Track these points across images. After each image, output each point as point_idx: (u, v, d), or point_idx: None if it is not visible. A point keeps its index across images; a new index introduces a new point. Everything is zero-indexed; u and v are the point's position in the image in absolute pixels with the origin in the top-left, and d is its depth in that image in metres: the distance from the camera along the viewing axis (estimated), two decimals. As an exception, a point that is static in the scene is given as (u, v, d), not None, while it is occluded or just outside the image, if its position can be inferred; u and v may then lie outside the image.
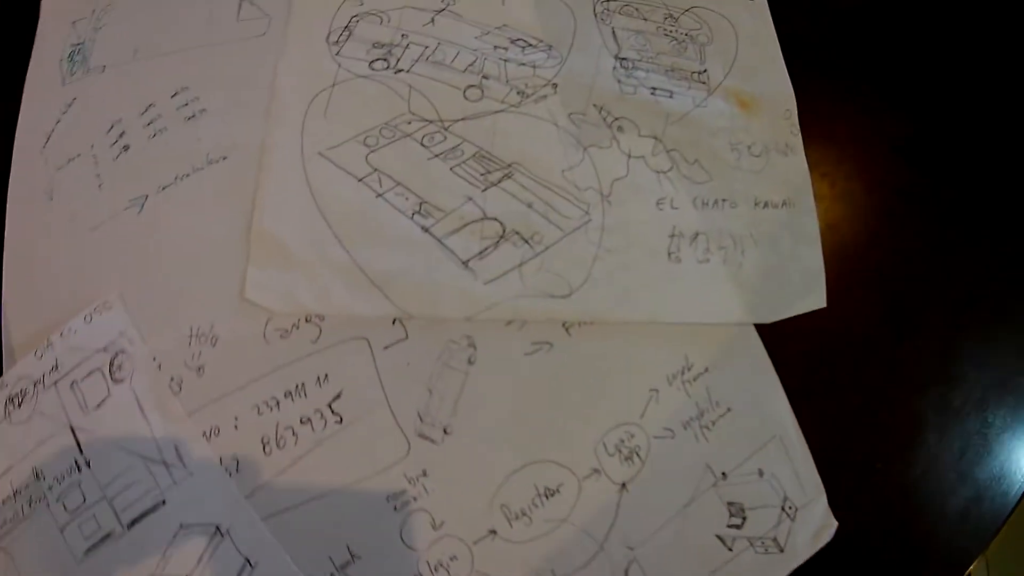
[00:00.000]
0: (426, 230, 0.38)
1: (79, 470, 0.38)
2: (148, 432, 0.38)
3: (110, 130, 0.43)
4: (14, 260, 0.42)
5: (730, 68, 0.45)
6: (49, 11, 0.50)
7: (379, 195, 0.38)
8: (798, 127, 0.45)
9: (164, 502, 0.37)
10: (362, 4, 0.44)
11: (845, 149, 0.46)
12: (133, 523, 0.37)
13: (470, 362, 0.37)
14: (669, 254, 0.40)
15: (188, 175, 0.40)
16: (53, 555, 0.38)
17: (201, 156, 0.41)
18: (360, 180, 0.39)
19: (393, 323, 0.37)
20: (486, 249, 0.38)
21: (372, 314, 0.37)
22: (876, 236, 0.44)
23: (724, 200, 0.41)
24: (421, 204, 0.38)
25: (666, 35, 0.45)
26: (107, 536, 0.37)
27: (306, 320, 0.37)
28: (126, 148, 0.42)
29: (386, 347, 0.37)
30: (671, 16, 0.45)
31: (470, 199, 0.39)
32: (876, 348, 0.41)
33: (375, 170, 0.39)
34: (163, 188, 0.40)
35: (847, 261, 0.43)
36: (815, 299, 0.41)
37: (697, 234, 0.40)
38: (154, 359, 0.38)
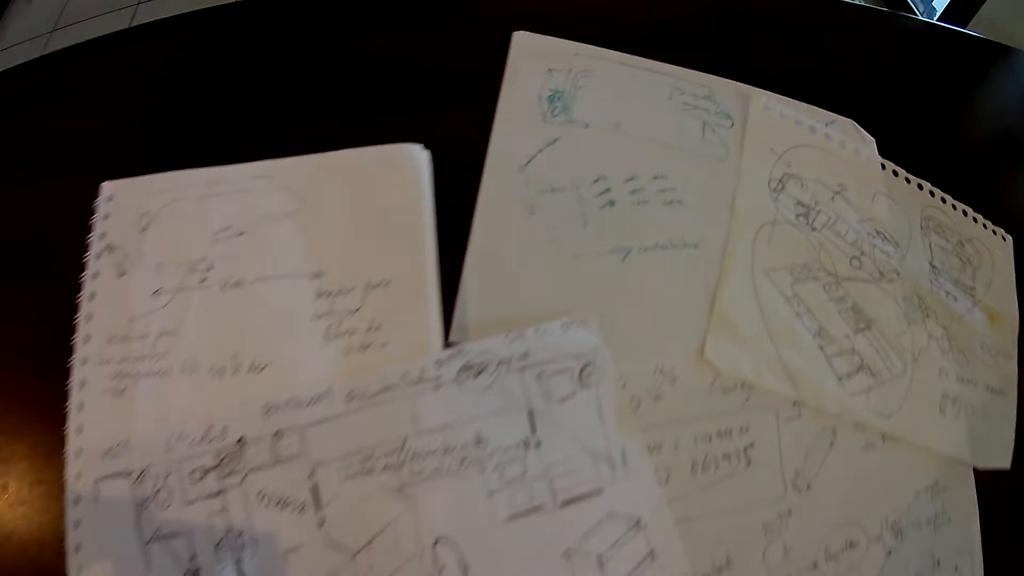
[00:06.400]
0: (821, 349, 0.53)
1: (527, 447, 0.47)
2: (602, 433, 0.48)
3: (596, 181, 0.55)
4: (482, 251, 0.50)
5: (988, 288, 0.64)
6: (522, 48, 0.60)
7: (797, 315, 0.54)
8: (1017, 341, 0.65)
9: (600, 491, 0.47)
10: (790, 167, 0.59)
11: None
12: (567, 503, 0.46)
13: (831, 445, 0.52)
14: (940, 408, 0.58)
15: (665, 247, 0.53)
16: (470, 514, 0.45)
17: (677, 236, 0.54)
18: (786, 300, 0.54)
19: (793, 405, 0.52)
20: (852, 372, 0.54)
21: (783, 395, 0.51)
22: None
23: (970, 380, 0.60)
24: (820, 330, 0.54)
25: (957, 256, 0.64)
26: (537, 508, 0.46)
27: (741, 386, 0.51)
28: (611, 203, 0.54)
29: (787, 420, 0.51)
30: (961, 242, 0.65)
31: (847, 336, 0.55)
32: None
33: (796, 296, 0.54)
34: (645, 249, 0.53)
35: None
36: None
37: (956, 399, 0.59)
38: (620, 379, 0.50)
